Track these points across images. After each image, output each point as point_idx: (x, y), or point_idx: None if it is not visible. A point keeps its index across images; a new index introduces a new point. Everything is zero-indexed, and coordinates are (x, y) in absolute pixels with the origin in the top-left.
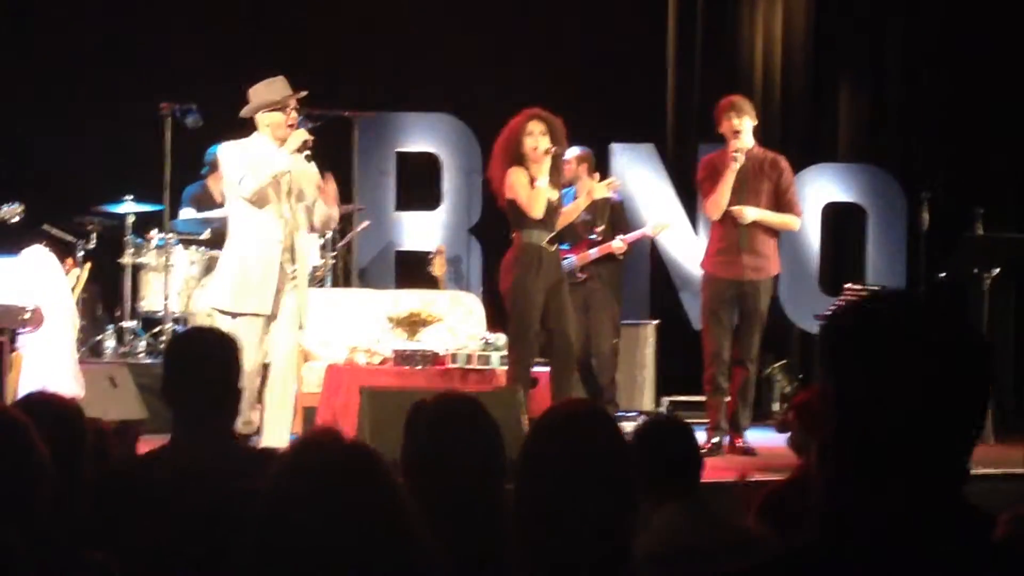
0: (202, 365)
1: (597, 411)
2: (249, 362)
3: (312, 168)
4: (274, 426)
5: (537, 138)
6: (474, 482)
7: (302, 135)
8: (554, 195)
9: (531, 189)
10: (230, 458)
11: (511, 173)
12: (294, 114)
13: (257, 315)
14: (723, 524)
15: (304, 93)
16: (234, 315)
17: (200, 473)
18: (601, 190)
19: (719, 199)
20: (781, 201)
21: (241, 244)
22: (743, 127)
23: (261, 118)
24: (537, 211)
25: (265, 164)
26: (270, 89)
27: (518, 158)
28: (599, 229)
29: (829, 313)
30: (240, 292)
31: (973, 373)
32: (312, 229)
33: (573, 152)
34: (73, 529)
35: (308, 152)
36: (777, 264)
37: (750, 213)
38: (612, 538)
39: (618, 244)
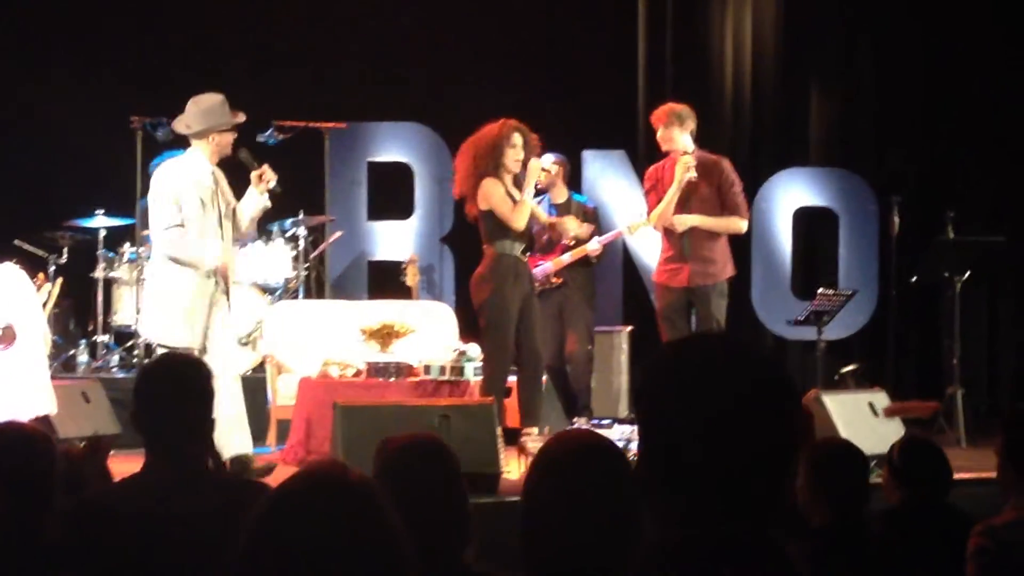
0: (174, 393)
1: (600, 441)
2: None
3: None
4: (232, 438)
5: (519, 150)
6: (437, 516)
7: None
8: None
9: (511, 201)
10: (203, 488)
11: (488, 184)
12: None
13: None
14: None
15: (244, 118)
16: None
17: (172, 503)
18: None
19: (665, 212)
20: (725, 203)
21: (170, 274)
22: (672, 138)
23: (213, 137)
24: (520, 222)
25: (196, 251)
26: (223, 110)
27: (497, 167)
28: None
29: (645, 364)
30: (172, 324)
31: (774, 412)
32: (240, 235)
33: (548, 159)
34: (45, 559)
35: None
36: (728, 268)
37: (686, 220)
38: (617, 565)
39: (594, 246)
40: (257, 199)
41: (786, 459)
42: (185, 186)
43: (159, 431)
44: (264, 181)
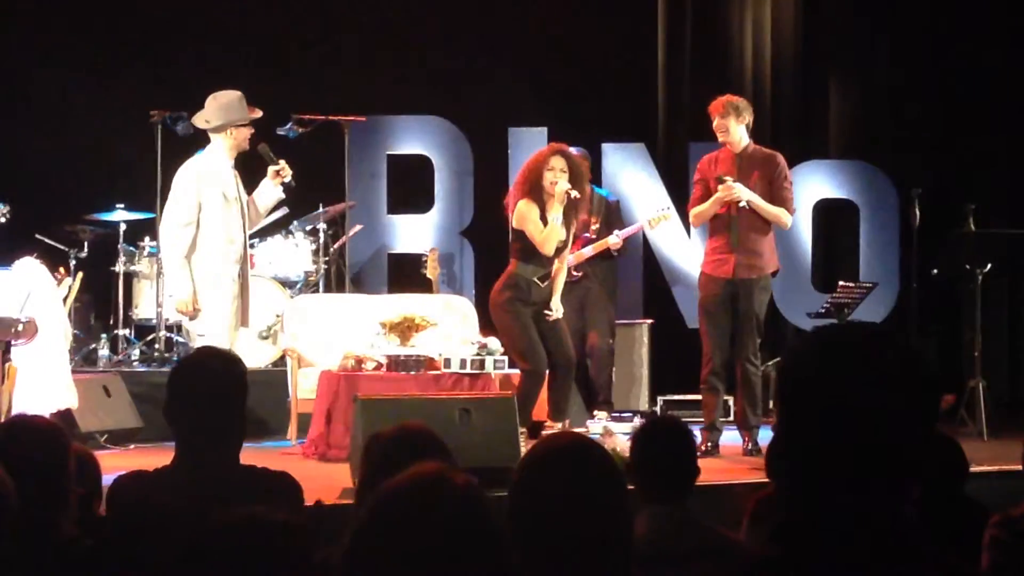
0: (207, 388)
1: (586, 442)
2: None
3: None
4: None
5: (557, 173)
6: None
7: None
8: (562, 235)
9: (543, 226)
10: (235, 483)
11: (523, 205)
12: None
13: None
14: (702, 529)
15: (260, 113)
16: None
17: (202, 498)
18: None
19: (704, 214)
20: (775, 196)
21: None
22: (727, 128)
23: (231, 131)
24: (547, 248)
25: (180, 273)
26: (240, 105)
27: (536, 190)
28: (594, 227)
29: (794, 346)
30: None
31: (922, 403)
32: (251, 225)
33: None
34: (63, 554)
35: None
36: (773, 262)
37: (743, 192)
38: (609, 563)
39: (614, 240)
40: (272, 190)
41: (920, 447)
42: (208, 183)
43: (189, 425)
44: (280, 176)
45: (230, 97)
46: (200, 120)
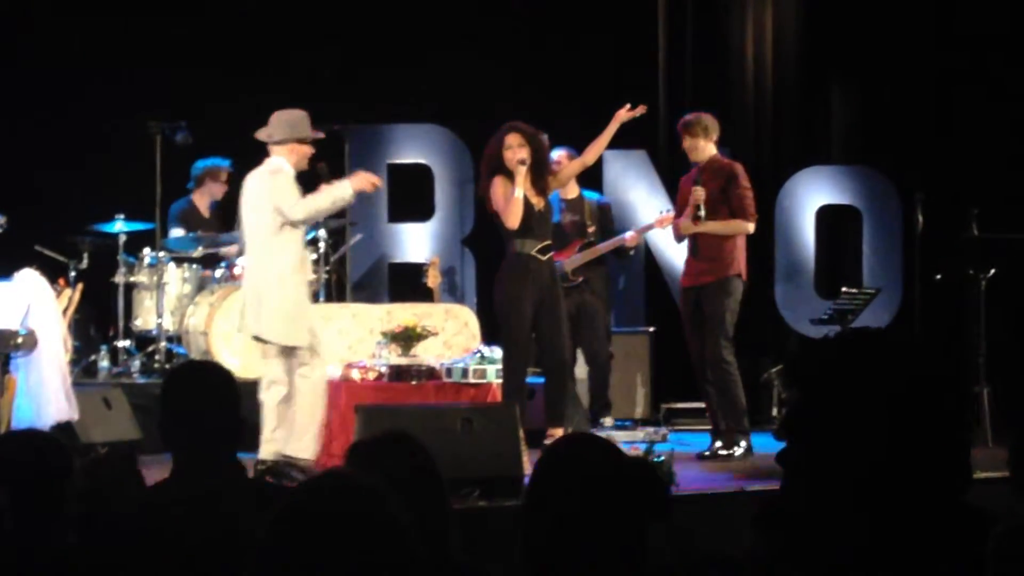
0: (200, 401)
1: (599, 442)
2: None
3: None
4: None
5: (515, 150)
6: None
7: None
8: (539, 203)
9: (509, 198)
10: (230, 494)
11: (492, 183)
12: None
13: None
14: (691, 543)
15: (323, 135)
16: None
17: (199, 508)
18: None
19: (680, 225)
20: (731, 207)
21: (289, 272)
22: (697, 148)
23: (293, 146)
24: (512, 220)
25: (327, 193)
26: (305, 123)
27: (500, 171)
28: (591, 230)
29: (800, 350)
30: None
31: (945, 408)
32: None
33: (557, 153)
34: (57, 567)
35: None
36: (733, 266)
37: (690, 228)
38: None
39: (631, 234)
40: None
41: (943, 451)
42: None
43: (185, 438)
44: None
45: (295, 115)
46: (263, 134)
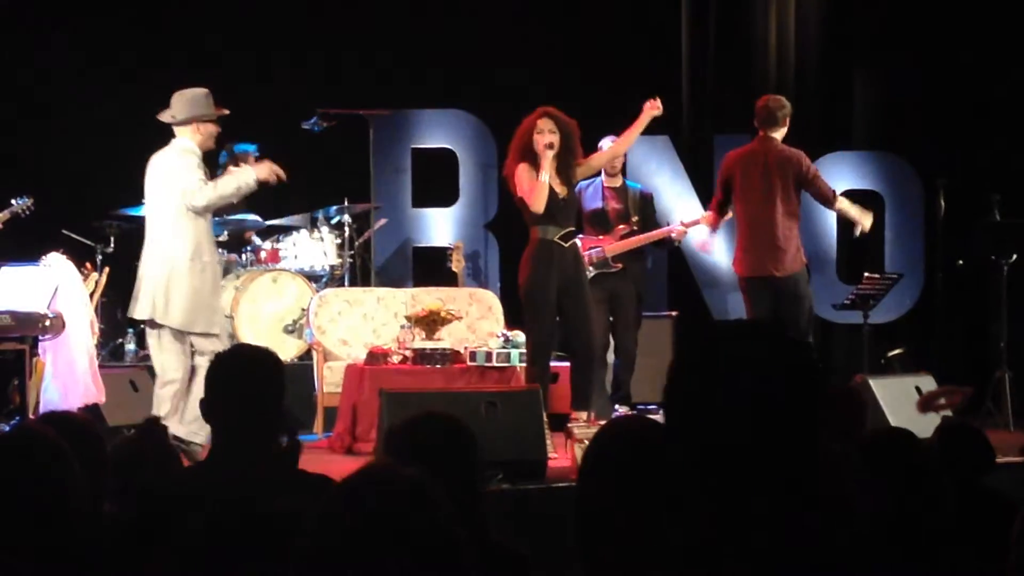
0: (244, 384)
1: (651, 425)
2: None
3: None
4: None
5: (546, 135)
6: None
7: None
8: (563, 191)
9: (534, 183)
10: (270, 477)
11: (518, 168)
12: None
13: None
14: None
15: (227, 112)
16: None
17: (238, 491)
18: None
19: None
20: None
21: (192, 255)
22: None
23: (197, 125)
24: (536, 205)
25: (231, 178)
26: (207, 101)
27: (528, 155)
28: (633, 220)
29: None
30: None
31: (802, 393)
32: None
33: (608, 141)
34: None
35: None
36: (737, 264)
37: None
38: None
39: (680, 227)
40: None
41: (804, 440)
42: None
43: (226, 420)
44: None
45: (197, 93)
46: (167, 116)
